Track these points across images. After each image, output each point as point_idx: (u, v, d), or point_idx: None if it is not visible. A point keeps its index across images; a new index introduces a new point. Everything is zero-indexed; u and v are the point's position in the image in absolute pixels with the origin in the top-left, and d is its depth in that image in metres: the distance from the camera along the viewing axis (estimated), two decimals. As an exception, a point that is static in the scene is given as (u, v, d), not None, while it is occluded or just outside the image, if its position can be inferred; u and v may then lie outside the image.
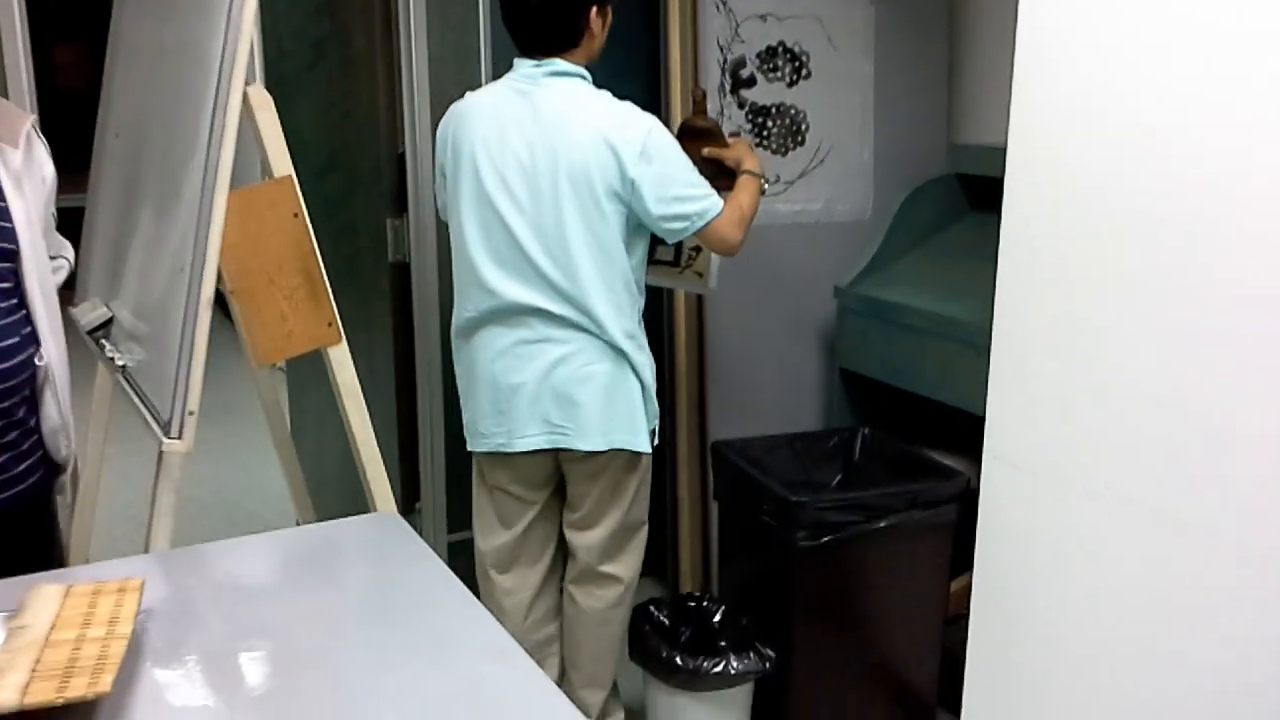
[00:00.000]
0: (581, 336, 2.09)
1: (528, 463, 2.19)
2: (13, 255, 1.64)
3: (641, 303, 2.18)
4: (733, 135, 2.51)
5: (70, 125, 3.05)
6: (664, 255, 2.39)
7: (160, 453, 1.70)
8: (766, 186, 2.27)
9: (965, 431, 2.02)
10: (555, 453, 2.17)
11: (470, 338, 2.19)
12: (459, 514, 2.92)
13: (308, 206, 1.91)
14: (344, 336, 1.99)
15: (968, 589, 1.83)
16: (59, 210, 1.95)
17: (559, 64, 2.05)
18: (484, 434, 2.19)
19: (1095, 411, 1.54)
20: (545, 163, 2.02)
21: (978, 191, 2.77)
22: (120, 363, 1.95)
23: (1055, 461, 1.63)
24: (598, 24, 2.07)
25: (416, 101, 2.64)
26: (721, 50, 2.72)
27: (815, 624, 2.29)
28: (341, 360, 1.96)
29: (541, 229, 2.05)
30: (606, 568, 2.27)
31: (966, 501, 2.13)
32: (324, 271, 1.95)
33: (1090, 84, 1.51)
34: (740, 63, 2.75)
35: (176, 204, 1.81)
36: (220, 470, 4.28)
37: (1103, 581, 1.56)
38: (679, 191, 2.04)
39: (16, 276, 1.66)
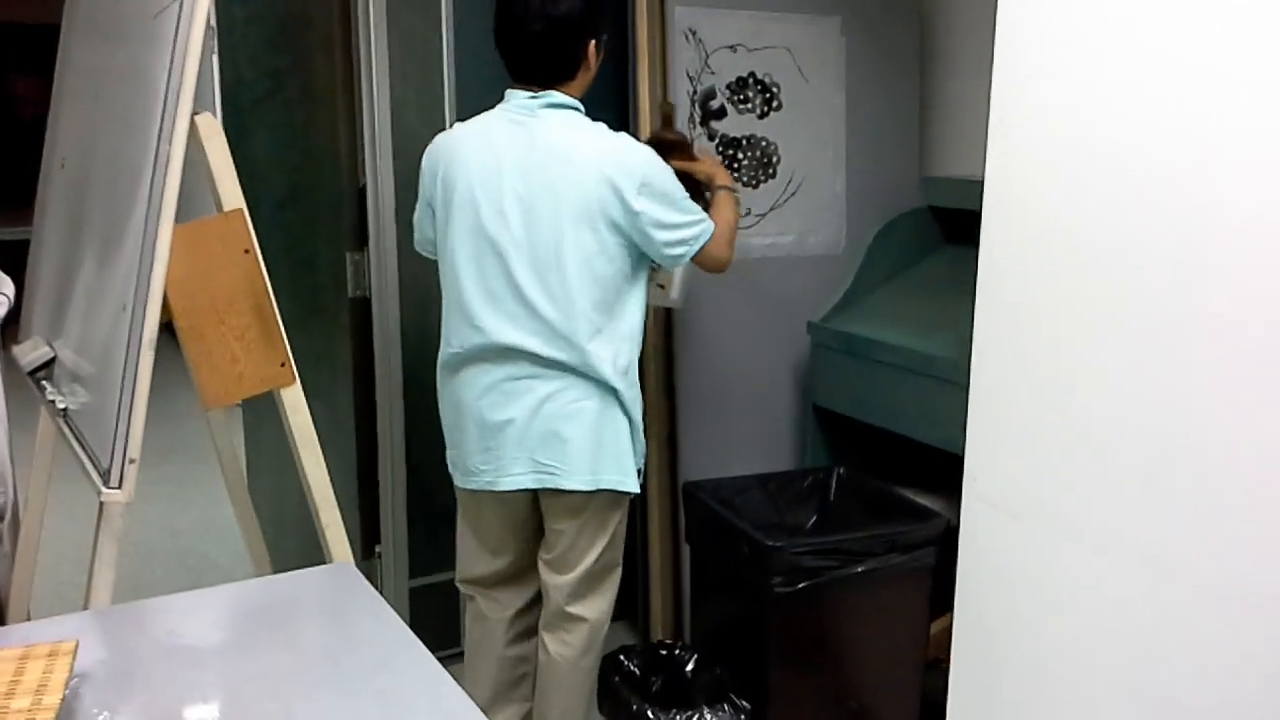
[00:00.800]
0: (570, 375, 2.05)
1: (513, 500, 2.16)
2: None
3: (640, 338, 2.14)
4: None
5: (31, 157, 2.97)
6: None
7: (100, 503, 1.60)
8: (739, 199, 2.28)
9: (944, 470, 1.96)
10: (538, 491, 2.14)
11: (456, 373, 2.15)
12: (422, 558, 2.82)
13: (267, 239, 1.84)
14: (298, 378, 1.90)
15: (947, 632, 1.77)
16: (15, 243, 1.86)
17: (556, 96, 2.03)
18: (471, 471, 2.15)
19: (1078, 450, 1.49)
20: (544, 196, 1.99)
21: (951, 224, 2.73)
22: (61, 406, 1.85)
23: (1037, 502, 1.58)
24: (594, 56, 2.07)
25: (378, 135, 2.58)
26: (691, 81, 2.67)
27: (792, 672, 2.21)
28: (295, 403, 1.87)
29: (539, 264, 2.01)
30: (575, 608, 2.20)
31: (946, 542, 2.07)
32: (277, 310, 1.86)
33: (1070, 116, 1.47)
34: (710, 93, 2.70)
35: (122, 238, 1.72)
36: (173, 511, 4.14)
37: (1087, 624, 1.50)
38: (678, 219, 2.04)
39: None
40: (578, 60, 2.04)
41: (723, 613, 2.36)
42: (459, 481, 2.22)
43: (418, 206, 2.22)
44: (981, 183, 1.57)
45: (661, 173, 2.03)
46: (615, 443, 2.10)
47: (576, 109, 2.06)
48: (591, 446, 2.07)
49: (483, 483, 2.14)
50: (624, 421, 2.11)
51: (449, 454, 2.23)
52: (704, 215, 2.09)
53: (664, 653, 2.32)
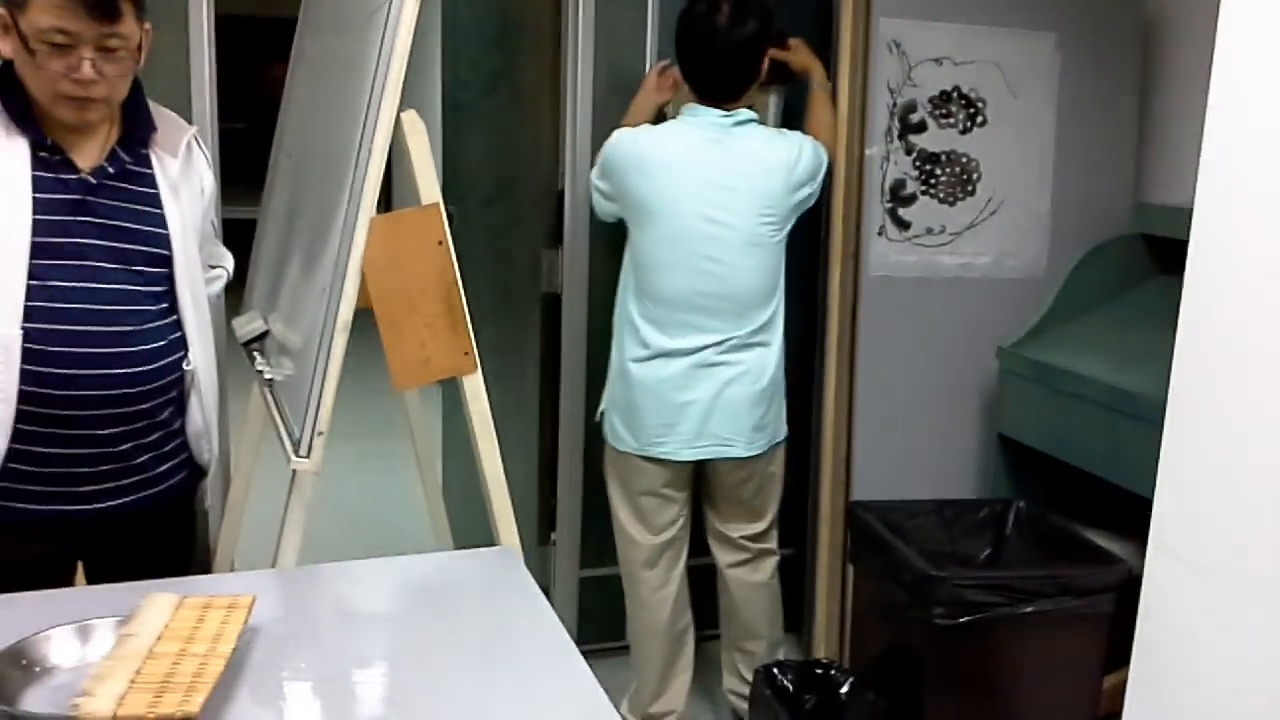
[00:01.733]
0: (753, 354, 2.33)
1: (682, 466, 2.39)
2: (166, 261, 1.72)
3: None
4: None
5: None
6: None
7: (292, 470, 1.73)
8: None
9: (1133, 513, 1.84)
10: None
11: (647, 362, 2.35)
12: (594, 549, 2.89)
13: (471, 234, 1.93)
14: (480, 366, 1.98)
15: (1122, 687, 1.67)
16: (235, 221, 2.08)
17: (742, 114, 2.30)
18: (648, 442, 2.36)
19: (1277, 508, 1.37)
20: (744, 202, 2.27)
21: (1166, 254, 2.57)
22: (267, 377, 2.00)
23: (1229, 559, 1.47)
24: (764, 69, 2.33)
25: (578, 140, 2.66)
26: (891, 94, 2.62)
27: (949, 709, 2.14)
28: (476, 390, 1.96)
29: (738, 265, 2.28)
30: (767, 544, 2.53)
31: (1127, 590, 1.95)
32: (464, 300, 1.95)
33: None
34: (911, 107, 2.64)
35: (329, 226, 1.85)
36: (377, 483, 4.40)
37: (1276, 696, 1.38)
38: (820, 174, 2.41)
39: (170, 281, 1.73)
40: (757, 75, 2.30)
41: (883, 638, 2.30)
42: (632, 447, 2.39)
43: (597, 184, 2.42)
44: (1199, 211, 1.48)
45: (813, 160, 2.36)
46: (780, 402, 2.44)
47: (755, 120, 2.32)
48: (766, 414, 2.39)
49: (660, 452, 2.36)
50: (783, 378, 2.43)
51: (620, 419, 2.41)
52: (816, 143, 2.41)
53: (819, 672, 2.29)
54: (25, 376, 1.59)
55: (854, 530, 2.41)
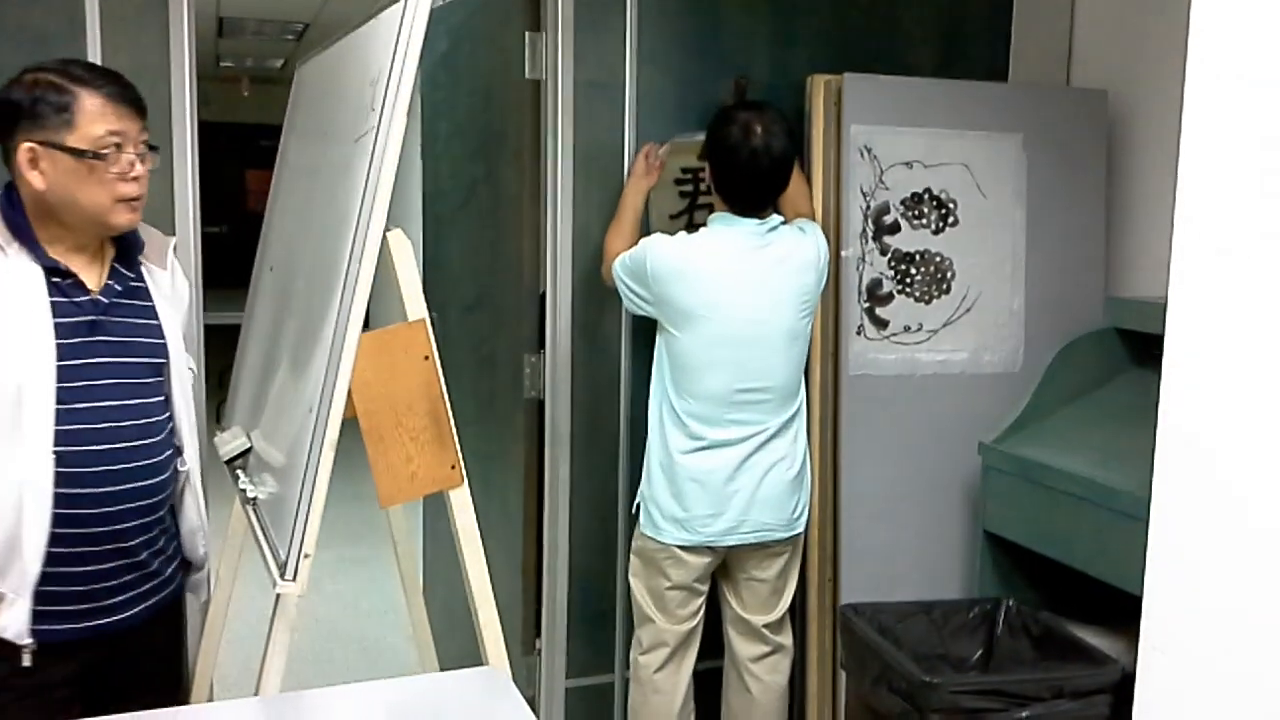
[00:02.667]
0: (787, 441, 2.44)
1: (716, 556, 2.46)
2: (164, 368, 1.79)
3: None
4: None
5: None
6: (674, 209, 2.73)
7: (276, 594, 1.71)
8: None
9: (1124, 609, 1.83)
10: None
11: (696, 453, 2.41)
12: (579, 658, 2.85)
13: (453, 340, 1.95)
14: (467, 479, 1.98)
15: (1122, 793, 1.64)
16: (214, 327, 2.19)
17: (774, 219, 2.43)
18: (695, 530, 2.41)
19: (1271, 606, 1.37)
20: (786, 300, 2.40)
21: (1139, 347, 2.61)
22: (250, 495, 1.99)
23: (1223, 657, 1.46)
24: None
25: (560, 244, 2.69)
26: (865, 196, 2.68)
27: (949, 816, 2.10)
28: (463, 504, 1.95)
29: (780, 359, 2.41)
30: (783, 638, 2.58)
31: (1121, 691, 1.93)
32: (451, 414, 1.95)
33: (1255, 234, 1.39)
34: (884, 209, 2.70)
35: (314, 344, 1.86)
36: (357, 591, 4.33)
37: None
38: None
39: (167, 386, 1.80)
40: (788, 183, 2.44)
41: (878, 744, 2.27)
42: (675, 538, 2.43)
43: (630, 285, 2.46)
44: (1169, 306, 1.50)
45: (826, 247, 2.50)
46: (808, 485, 2.54)
47: (783, 221, 2.46)
48: (801, 498, 2.51)
49: (704, 539, 2.41)
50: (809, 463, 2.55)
51: (661, 510, 2.45)
52: (811, 211, 2.62)
53: (815, 781, 2.24)
54: (58, 499, 1.63)
55: (845, 635, 2.39)
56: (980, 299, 2.78)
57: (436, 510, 3.45)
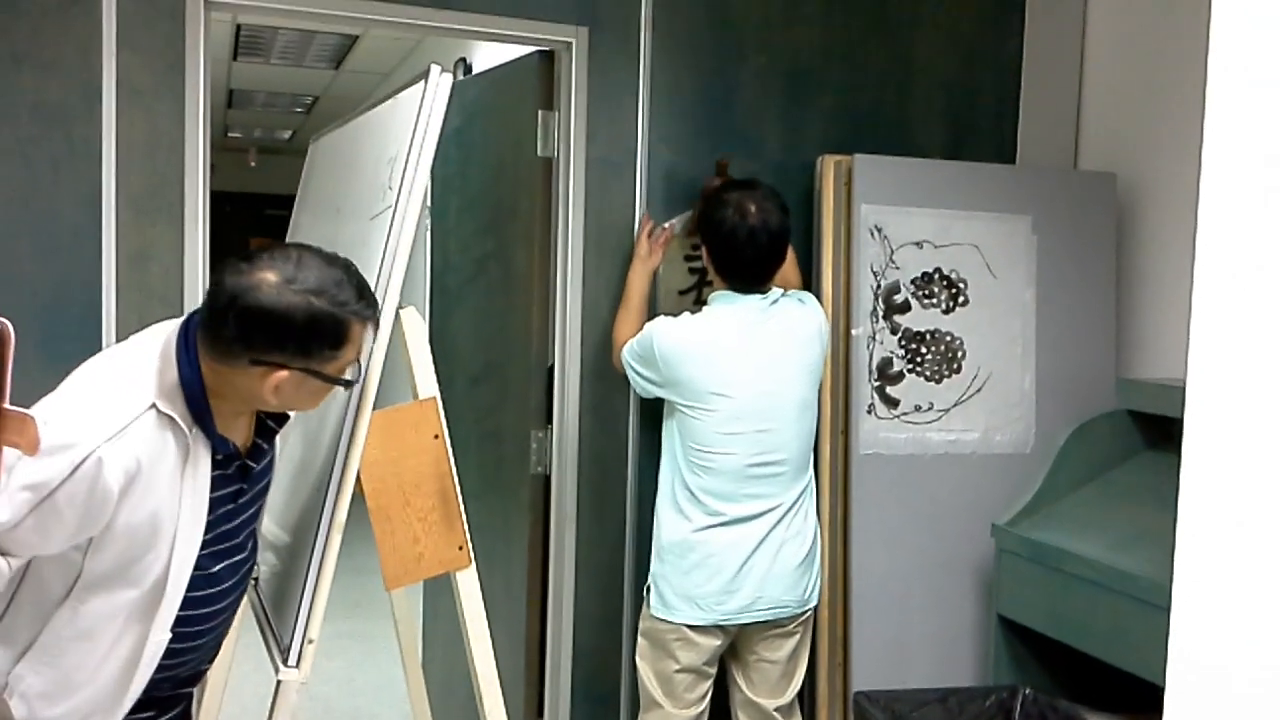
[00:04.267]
0: (799, 517, 2.42)
1: (726, 638, 2.42)
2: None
3: None
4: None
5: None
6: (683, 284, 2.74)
7: (278, 680, 1.66)
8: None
9: (1143, 696, 1.78)
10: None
11: (712, 530, 2.37)
12: (583, 739, 2.79)
13: (459, 414, 1.92)
14: (474, 561, 1.94)
15: None
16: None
17: (775, 292, 2.44)
18: (709, 609, 2.37)
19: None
20: (796, 372, 2.42)
21: (1151, 429, 2.59)
22: (253, 576, 1.95)
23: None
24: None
25: (569, 318, 2.69)
26: (875, 275, 2.68)
27: None
28: (470, 587, 1.92)
29: (792, 430, 2.40)
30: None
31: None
32: (459, 493, 1.93)
33: (1275, 317, 1.37)
34: (894, 288, 2.69)
35: (324, 422, 1.84)
36: (352, 667, 4.25)
37: None
38: None
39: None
40: (785, 255, 2.45)
41: (893, 839, 2.20)
42: (686, 618, 2.38)
43: (639, 370, 2.46)
44: (1183, 388, 1.48)
45: (825, 317, 2.53)
46: (818, 560, 2.50)
47: (783, 292, 2.46)
48: (813, 573, 2.48)
49: (716, 618, 2.36)
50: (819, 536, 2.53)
51: (673, 588, 2.39)
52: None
53: None
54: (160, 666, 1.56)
55: (858, 722, 2.33)
56: (991, 379, 2.76)
57: (438, 584, 3.40)
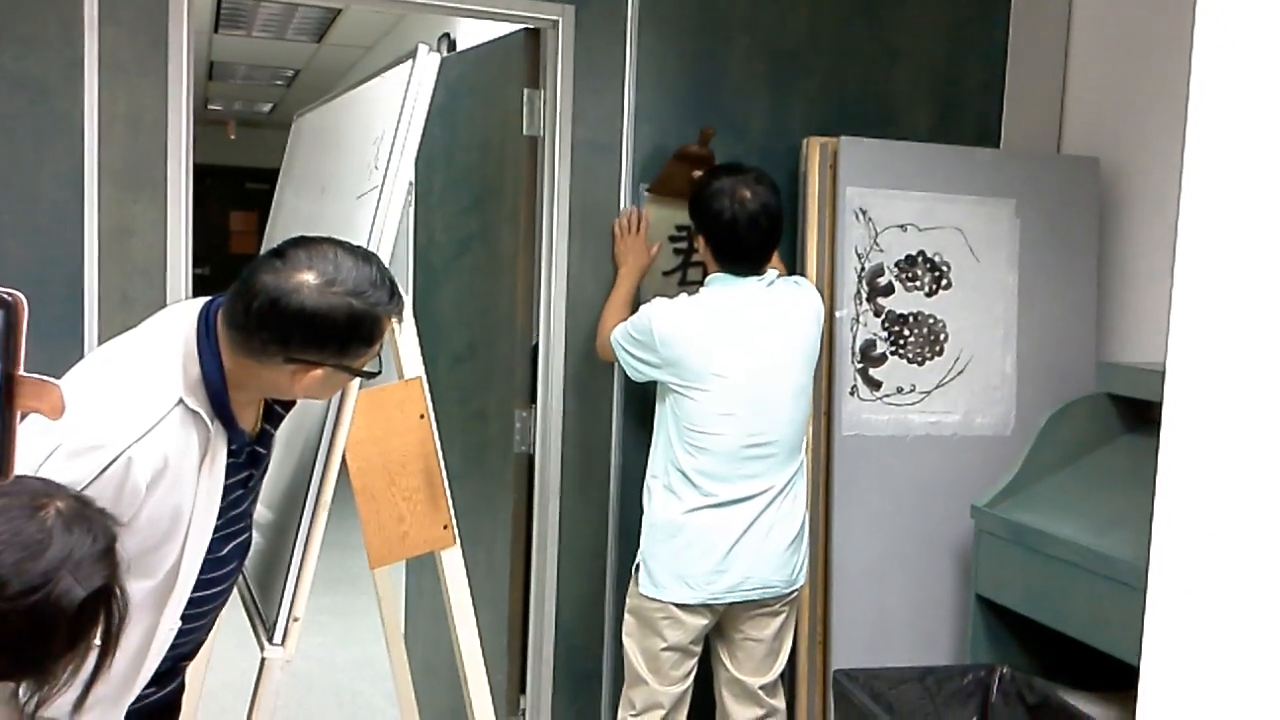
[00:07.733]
0: (789, 499, 2.44)
1: (713, 617, 2.43)
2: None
3: None
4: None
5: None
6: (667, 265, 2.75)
7: (262, 658, 1.67)
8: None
9: (1120, 676, 1.81)
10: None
11: (704, 511, 2.38)
12: (564, 718, 2.80)
13: (443, 393, 1.93)
14: (459, 539, 1.95)
15: None
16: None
17: (773, 274, 2.46)
18: (698, 588, 2.38)
19: (1273, 677, 1.35)
20: (794, 354, 2.43)
21: (1131, 412, 2.61)
22: (240, 553, 1.95)
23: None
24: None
25: (554, 297, 2.69)
26: (859, 258, 2.69)
27: None
28: (454, 568, 1.93)
29: (788, 413, 2.41)
30: (777, 701, 2.54)
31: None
32: (445, 472, 1.93)
33: (1255, 299, 1.39)
34: (878, 270, 2.71)
35: (310, 402, 1.83)
36: (333, 644, 4.25)
37: None
38: None
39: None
40: (781, 235, 2.47)
41: (871, 815, 2.23)
42: (674, 597, 2.39)
43: (634, 353, 2.44)
44: (1162, 372, 1.50)
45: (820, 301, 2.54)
46: (806, 541, 2.52)
47: (779, 274, 2.48)
48: (802, 554, 2.49)
49: (705, 597, 2.38)
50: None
51: (659, 566, 2.40)
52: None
53: None
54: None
55: (838, 701, 2.36)
56: (973, 362, 2.78)
57: (421, 561, 3.41)
